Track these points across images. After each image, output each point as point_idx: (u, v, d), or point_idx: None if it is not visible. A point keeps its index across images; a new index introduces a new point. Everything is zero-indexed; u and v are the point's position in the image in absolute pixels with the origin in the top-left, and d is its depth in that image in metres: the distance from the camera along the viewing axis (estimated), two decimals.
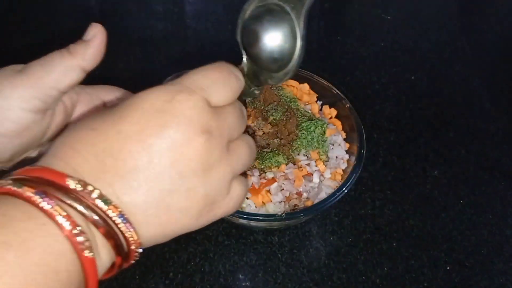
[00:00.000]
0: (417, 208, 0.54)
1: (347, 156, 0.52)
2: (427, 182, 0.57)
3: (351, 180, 0.46)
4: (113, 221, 0.21)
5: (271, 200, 0.47)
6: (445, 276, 0.49)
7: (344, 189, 0.45)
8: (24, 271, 0.18)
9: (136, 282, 0.47)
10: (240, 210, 0.46)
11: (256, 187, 0.47)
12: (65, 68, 0.27)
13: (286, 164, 0.49)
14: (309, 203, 0.47)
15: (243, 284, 0.48)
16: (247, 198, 0.47)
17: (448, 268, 0.49)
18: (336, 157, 0.51)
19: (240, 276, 0.48)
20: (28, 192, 0.20)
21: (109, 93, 0.35)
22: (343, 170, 0.50)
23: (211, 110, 0.24)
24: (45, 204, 0.20)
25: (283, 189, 0.48)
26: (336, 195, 0.44)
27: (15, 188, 0.20)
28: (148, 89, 0.25)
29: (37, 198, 0.20)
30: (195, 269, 0.49)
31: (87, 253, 0.20)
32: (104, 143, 0.23)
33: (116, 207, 0.21)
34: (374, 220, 0.53)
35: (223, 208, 0.26)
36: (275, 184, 0.47)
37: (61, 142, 0.23)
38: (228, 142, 0.25)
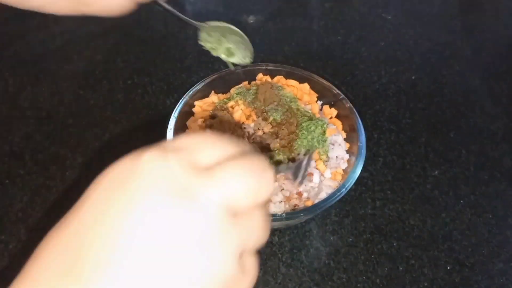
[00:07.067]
0: (418, 208, 0.54)
1: (347, 156, 0.52)
2: (428, 182, 0.57)
3: (351, 180, 0.46)
4: None
5: (271, 200, 0.47)
6: (445, 276, 0.49)
7: (344, 189, 0.45)
8: None
9: None
10: None
11: None
12: None
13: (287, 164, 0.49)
14: (309, 203, 0.47)
15: None
16: None
17: (448, 268, 0.49)
18: (337, 157, 0.51)
19: None
20: None
21: None
22: (343, 170, 0.50)
23: (196, 170, 0.19)
24: None
25: (283, 189, 0.47)
26: (336, 195, 0.44)
27: None
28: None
29: None
30: None
31: None
32: (61, 245, 0.18)
33: None
34: (374, 220, 0.53)
35: None
36: (275, 184, 0.47)
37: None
38: (235, 210, 0.19)
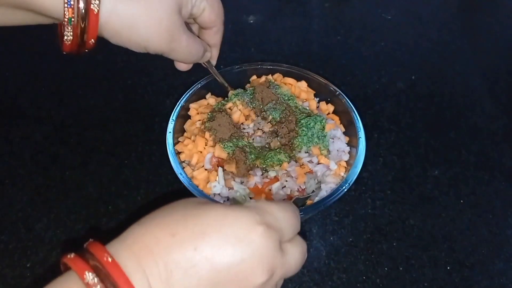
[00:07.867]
0: (418, 208, 0.54)
1: (348, 148, 0.52)
2: (428, 182, 0.57)
3: (351, 179, 0.46)
4: None
5: (273, 199, 0.47)
6: (445, 276, 0.49)
7: (344, 188, 0.45)
8: None
9: None
10: None
11: (259, 186, 0.47)
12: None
13: (288, 162, 0.48)
14: (309, 202, 0.47)
15: None
16: (250, 198, 0.47)
17: (448, 268, 0.49)
18: (337, 150, 0.51)
19: None
20: None
21: None
22: (346, 162, 0.51)
23: (280, 252, 0.27)
24: None
25: (284, 187, 0.47)
26: (337, 193, 0.44)
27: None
28: (232, 211, 0.26)
29: None
30: None
31: None
32: (179, 255, 0.24)
33: None
34: (374, 220, 0.53)
35: None
36: (277, 184, 0.47)
37: (142, 234, 0.25)
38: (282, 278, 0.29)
